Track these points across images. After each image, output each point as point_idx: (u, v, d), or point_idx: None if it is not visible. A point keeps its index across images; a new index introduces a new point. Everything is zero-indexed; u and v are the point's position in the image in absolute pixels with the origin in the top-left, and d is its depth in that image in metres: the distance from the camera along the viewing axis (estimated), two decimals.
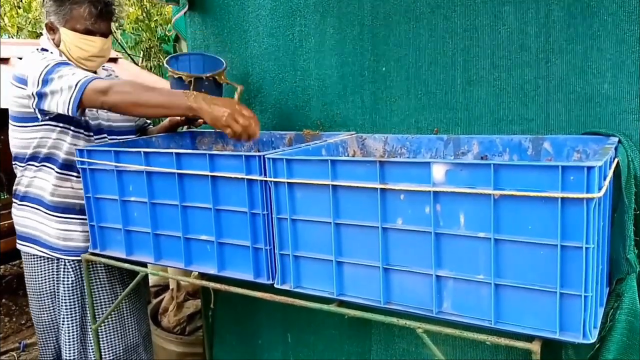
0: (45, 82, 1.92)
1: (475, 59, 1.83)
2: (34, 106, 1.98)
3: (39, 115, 2.01)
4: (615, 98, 1.63)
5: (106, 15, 2.08)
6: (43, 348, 2.29)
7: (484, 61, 1.82)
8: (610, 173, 1.35)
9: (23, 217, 2.19)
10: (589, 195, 1.16)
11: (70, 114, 1.91)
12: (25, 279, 2.25)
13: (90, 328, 2.17)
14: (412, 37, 1.94)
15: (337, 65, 2.13)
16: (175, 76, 2.11)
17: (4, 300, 4.45)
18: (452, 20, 1.85)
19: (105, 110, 2.11)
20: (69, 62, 2.04)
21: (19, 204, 2.20)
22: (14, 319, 4.16)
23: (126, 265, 2.01)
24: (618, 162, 1.44)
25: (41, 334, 2.26)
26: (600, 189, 1.17)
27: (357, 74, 2.08)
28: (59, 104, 1.90)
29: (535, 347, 1.26)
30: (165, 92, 1.94)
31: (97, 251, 2.06)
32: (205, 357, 2.70)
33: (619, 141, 1.52)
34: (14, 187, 2.20)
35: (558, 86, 1.71)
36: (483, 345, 1.90)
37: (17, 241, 2.23)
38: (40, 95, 1.94)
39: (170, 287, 3.34)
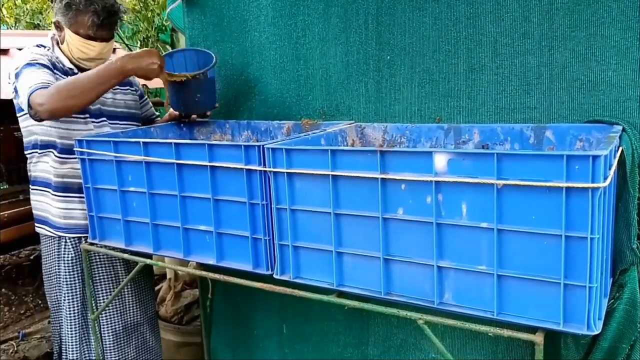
0: (16, 79, 2.02)
1: (478, 47, 1.81)
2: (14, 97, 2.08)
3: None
4: (619, 85, 1.61)
5: (108, 24, 2.12)
6: (53, 327, 2.35)
7: (486, 49, 1.79)
8: (615, 162, 1.33)
9: (35, 201, 2.28)
10: (594, 185, 1.14)
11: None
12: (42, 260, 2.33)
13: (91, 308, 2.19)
14: (416, 25, 1.91)
15: (341, 54, 2.10)
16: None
17: (3, 290, 4.44)
18: (455, 8, 1.83)
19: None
20: (38, 62, 2.05)
21: (32, 189, 2.28)
22: (14, 309, 4.15)
23: (125, 256, 2.01)
24: (622, 151, 1.42)
25: (52, 313, 2.33)
26: (605, 178, 1.16)
27: (361, 62, 2.06)
28: (23, 105, 1.98)
29: (539, 338, 1.24)
30: (93, 72, 1.98)
31: (96, 241, 2.05)
32: (203, 347, 2.70)
33: (623, 129, 1.50)
34: (28, 174, 2.29)
35: (561, 74, 1.69)
36: (483, 336, 1.89)
37: (35, 224, 2.31)
38: (15, 90, 2.03)
39: (168, 277, 3.34)
